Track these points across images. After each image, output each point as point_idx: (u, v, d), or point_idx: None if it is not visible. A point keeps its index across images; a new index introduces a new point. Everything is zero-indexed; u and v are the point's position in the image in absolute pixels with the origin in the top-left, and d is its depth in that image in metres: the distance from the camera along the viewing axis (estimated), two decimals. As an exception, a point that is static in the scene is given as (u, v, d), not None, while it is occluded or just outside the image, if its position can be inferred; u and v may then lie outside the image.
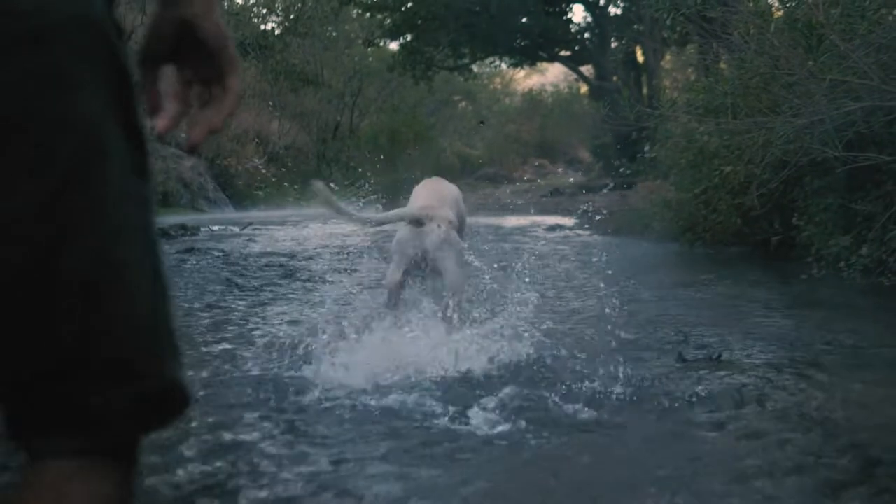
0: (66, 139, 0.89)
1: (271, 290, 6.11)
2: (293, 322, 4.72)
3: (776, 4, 7.34)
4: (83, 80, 0.90)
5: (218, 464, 2.41)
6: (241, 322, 4.75)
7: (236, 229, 12.61)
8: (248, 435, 2.68)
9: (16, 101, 0.86)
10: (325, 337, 3.61)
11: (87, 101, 0.90)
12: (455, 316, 3.47)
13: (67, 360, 0.91)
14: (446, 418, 2.83)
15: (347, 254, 8.80)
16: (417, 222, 3.62)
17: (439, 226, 3.62)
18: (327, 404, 3.03)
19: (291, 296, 5.84)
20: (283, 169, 22.09)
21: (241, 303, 5.48)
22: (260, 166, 19.94)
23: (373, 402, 3.03)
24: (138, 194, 0.97)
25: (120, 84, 0.96)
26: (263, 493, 2.23)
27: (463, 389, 3.18)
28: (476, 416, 2.86)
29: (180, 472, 2.32)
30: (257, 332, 4.39)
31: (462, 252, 3.73)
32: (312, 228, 12.87)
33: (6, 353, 0.91)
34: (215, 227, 12.57)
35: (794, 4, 6.29)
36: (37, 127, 0.87)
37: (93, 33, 0.92)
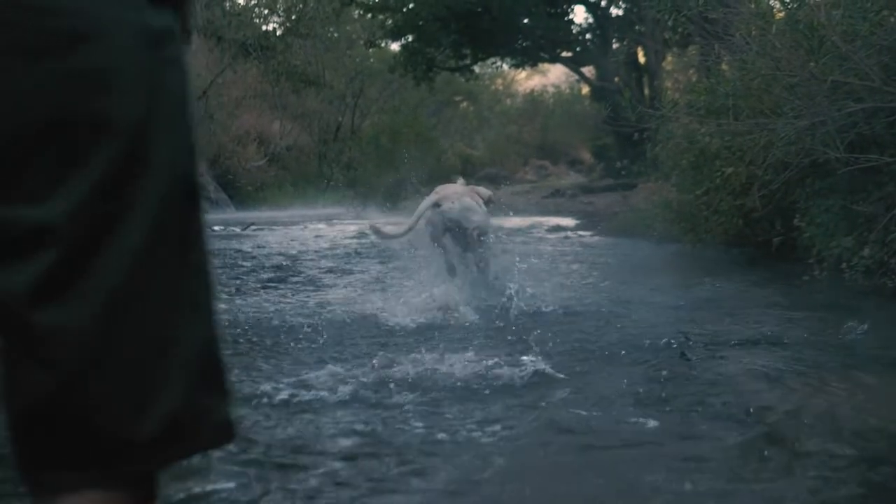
0: (103, 143, 0.86)
1: (271, 291, 6.11)
2: (291, 324, 4.72)
3: (778, 6, 7.33)
4: (124, 84, 0.87)
5: (216, 472, 2.41)
6: (238, 324, 4.74)
7: (237, 230, 12.62)
8: (242, 445, 2.68)
9: (52, 102, 0.84)
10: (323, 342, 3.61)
11: (129, 105, 0.87)
12: (482, 269, 4.66)
13: (82, 380, 0.86)
14: (446, 422, 2.83)
15: (347, 255, 8.82)
16: (436, 205, 4.83)
17: (452, 201, 4.80)
18: (322, 414, 3.03)
19: (292, 297, 5.84)
20: (285, 170, 22.10)
21: (239, 303, 5.47)
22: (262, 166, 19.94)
23: (364, 410, 3.03)
24: (182, 208, 0.93)
25: (173, 92, 0.93)
26: None
27: (461, 393, 3.18)
28: (475, 419, 2.86)
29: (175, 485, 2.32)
30: (256, 336, 4.39)
31: (480, 211, 4.91)
32: (314, 229, 12.87)
33: (24, 373, 0.87)
34: (216, 228, 12.57)
35: (795, 6, 6.28)
36: (69, 130, 0.85)
37: (138, 38, 0.89)
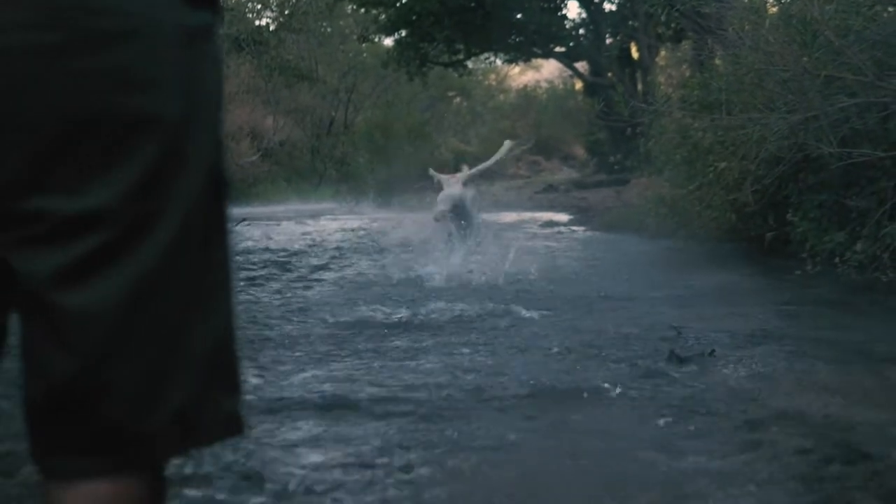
0: (142, 141, 0.87)
1: (264, 288, 6.09)
2: (285, 321, 4.70)
3: (771, 0, 7.33)
4: (162, 83, 0.89)
5: (217, 466, 2.39)
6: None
7: (230, 226, 12.57)
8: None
9: (90, 99, 0.85)
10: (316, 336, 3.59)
11: (167, 103, 0.89)
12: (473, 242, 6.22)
13: (99, 367, 0.89)
14: (438, 424, 2.82)
15: (340, 250, 8.80)
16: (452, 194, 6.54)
17: (467, 189, 6.67)
18: (314, 414, 3.02)
19: (285, 294, 5.82)
20: (278, 165, 22.06)
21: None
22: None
23: (357, 410, 3.02)
24: (209, 204, 0.95)
25: (209, 89, 0.94)
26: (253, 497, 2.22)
27: (452, 393, 3.16)
28: (468, 419, 2.84)
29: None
30: (250, 334, 4.37)
31: (477, 201, 6.88)
32: (307, 224, 12.85)
33: (44, 358, 0.89)
34: (209, 224, 12.50)
35: (788, 0, 6.28)
36: (109, 126, 0.86)
37: (175, 36, 0.90)
